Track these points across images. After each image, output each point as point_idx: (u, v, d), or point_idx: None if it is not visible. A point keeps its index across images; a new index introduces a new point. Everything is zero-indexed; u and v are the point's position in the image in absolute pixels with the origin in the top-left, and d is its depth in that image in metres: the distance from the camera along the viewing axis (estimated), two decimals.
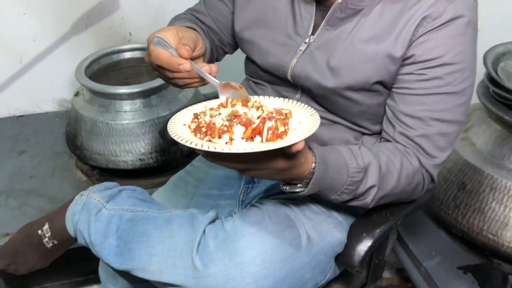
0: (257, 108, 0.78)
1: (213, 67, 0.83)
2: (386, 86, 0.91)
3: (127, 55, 1.89)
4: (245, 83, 1.13)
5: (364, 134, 0.99)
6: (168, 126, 0.77)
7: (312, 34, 0.95)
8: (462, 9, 0.83)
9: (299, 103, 0.82)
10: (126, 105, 1.68)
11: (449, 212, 1.44)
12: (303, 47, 0.96)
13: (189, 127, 0.77)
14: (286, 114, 0.77)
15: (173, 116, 0.80)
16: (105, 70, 1.88)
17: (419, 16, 0.84)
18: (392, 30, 0.86)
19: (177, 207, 1.07)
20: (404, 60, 0.87)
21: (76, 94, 1.80)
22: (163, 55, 0.81)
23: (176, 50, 0.82)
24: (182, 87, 0.89)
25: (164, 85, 1.69)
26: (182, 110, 0.82)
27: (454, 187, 1.42)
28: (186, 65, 0.80)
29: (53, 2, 1.98)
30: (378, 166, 0.85)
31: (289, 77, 0.98)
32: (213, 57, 1.13)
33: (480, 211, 1.36)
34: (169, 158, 1.73)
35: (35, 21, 2.00)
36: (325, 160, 0.80)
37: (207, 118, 0.76)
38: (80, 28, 2.06)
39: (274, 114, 0.76)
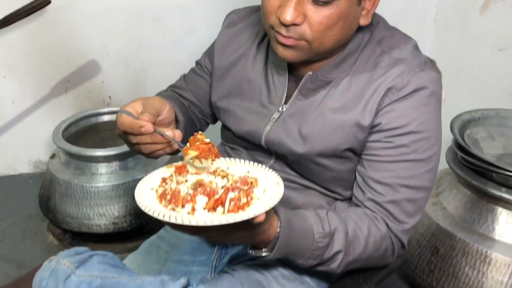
0: (223, 176, 0.80)
1: (177, 132, 0.86)
2: (356, 152, 0.94)
3: (106, 118, 1.91)
4: (221, 148, 1.16)
5: (336, 199, 1.01)
6: (136, 190, 0.78)
7: (285, 103, 0.99)
8: (425, 81, 0.88)
9: (267, 168, 0.84)
10: (102, 168, 1.68)
11: (424, 276, 1.44)
12: (276, 115, 0.99)
13: (156, 191, 0.78)
14: (251, 182, 0.78)
15: (142, 179, 0.81)
16: (83, 133, 1.89)
17: (385, 87, 0.88)
18: (359, 99, 0.90)
19: (148, 273, 1.05)
20: (371, 128, 0.91)
21: (52, 156, 1.80)
22: (126, 119, 0.83)
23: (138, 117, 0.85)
24: (148, 155, 0.89)
25: None
26: (152, 173, 0.83)
27: (427, 252, 1.43)
28: (148, 126, 0.81)
29: (34, 65, 2.01)
30: (345, 231, 0.86)
31: (263, 143, 1.00)
32: (196, 129, 1.17)
33: (454, 276, 1.36)
34: (144, 222, 1.71)
35: (15, 83, 2.03)
36: (291, 225, 0.81)
37: (173, 185, 0.77)
38: (60, 91, 2.09)
39: (238, 184, 0.77)
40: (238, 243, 0.79)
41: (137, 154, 1.66)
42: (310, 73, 0.95)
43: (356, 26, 0.90)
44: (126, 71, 2.11)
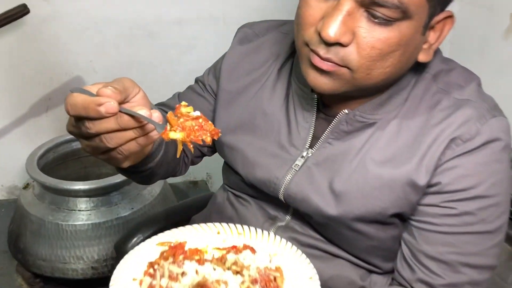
0: (235, 272, 0.58)
1: (155, 112, 0.58)
2: (404, 217, 0.74)
3: None
4: (222, 194, 0.95)
5: (372, 272, 0.80)
6: (111, 281, 0.56)
7: (311, 147, 0.78)
8: (497, 131, 0.69)
9: (296, 249, 0.62)
10: (81, 203, 1.48)
11: None
12: (299, 162, 0.78)
13: (140, 283, 0.57)
14: (275, 278, 0.57)
15: (123, 260, 0.60)
16: (62, 159, 1.69)
17: (447, 137, 0.69)
18: (413, 151, 0.70)
19: None
20: (427, 188, 0.70)
21: (26, 186, 1.60)
22: (79, 98, 0.56)
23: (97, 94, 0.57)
24: (115, 156, 0.61)
25: (127, 180, 1.49)
26: (135, 249, 0.62)
27: None
28: (109, 104, 0.54)
29: (12, 82, 1.80)
30: None
31: (281, 196, 0.80)
32: (187, 160, 0.95)
33: None
34: None
35: None
36: None
37: (164, 282, 0.56)
38: (40, 110, 1.88)
39: (258, 285, 0.56)
40: None
41: (123, 186, 1.43)
42: (346, 111, 0.74)
43: (413, 62, 0.70)
44: None
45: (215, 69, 0.91)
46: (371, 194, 0.72)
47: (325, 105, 0.78)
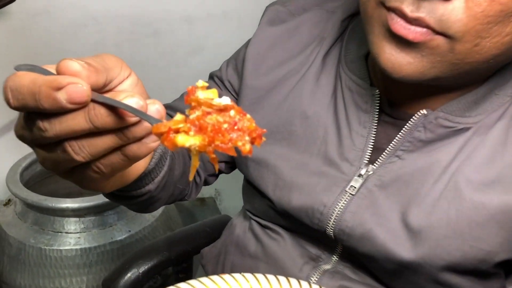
0: None
1: (155, 103, 0.37)
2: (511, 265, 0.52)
3: None
4: (243, 223, 0.74)
5: None
6: None
7: (372, 162, 0.57)
8: None
9: None
10: (70, 224, 1.30)
11: None
12: (356, 183, 0.57)
13: None
14: None
15: None
16: (49, 173, 1.51)
17: None
18: None
19: None
20: None
21: (7, 203, 1.42)
22: (26, 78, 0.35)
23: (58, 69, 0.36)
24: (92, 179, 0.39)
25: None
26: None
27: None
28: (74, 87, 0.33)
29: None
30: None
31: (330, 231, 0.59)
32: (199, 179, 0.75)
33: None
34: None
35: None
36: None
37: None
38: None
39: None
40: None
41: (119, 205, 1.25)
42: (425, 111, 0.54)
43: None
44: None
45: (237, 60, 0.72)
46: (469, 232, 0.52)
47: (392, 103, 0.57)
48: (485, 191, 0.52)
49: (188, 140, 0.33)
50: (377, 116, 0.58)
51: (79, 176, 0.39)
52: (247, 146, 0.33)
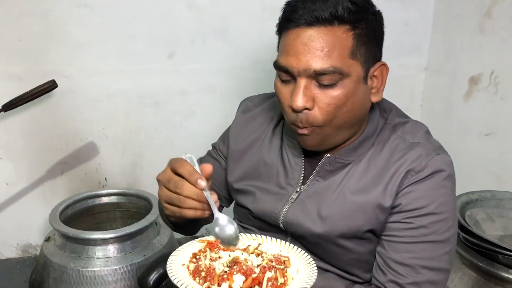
0: (257, 255, 0.79)
1: (214, 195, 0.84)
2: (376, 234, 0.96)
3: (104, 199, 1.89)
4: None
5: (355, 282, 1.01)
6: (168, 265, 0.76)
7: (303, 184, 1.01)
8: (441, 164, 0.92)
9: (296, 248, 0.84)
10: (99, 251, 1.64)
11: None
12: (294, 196, 1.01)
13: (188, 268, 0.77)
14: (284, 261, 0.78)
15: (172, 255, 0.80)
16: (78, 215, 1.86)
17: (404, 169, 0.92)
18: (379, 181, 0.93)
19: None
20: (392, 209, 0.93)
21: (47, 239, 1.75)
22: (188, 165, 0.82)
23: (200, 168, 0.83)
24: (179, 213, 0.84)
25: (139, 230, 1.68)
26: (181, 247, 0.82)
27: None
28: (203, 182, 0.80)
29: (32, 147, 2.01)
30: None
31: (280, 224, 1.01)
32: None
33: None
34: None
35: (11, 165, 2.01)
36: None
37: (207, 262, 0.76)
38: (55, 173, 2.07)
39: (273, 263, 0.77)
40: None
41: (135, 236, 1.62)
42: (328, 155, 0.98)
43: (369, 104, 0.94)
44: (123, 154, 2.13)
45: (224, 137, 1.16)
46: (350, 216, 0.94)
47: (311, 151, 1.01)
48: (357, 195, 0.94)
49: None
50: (303, 159, 1.02)
51: (171, 210, 0.85)
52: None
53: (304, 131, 0.91)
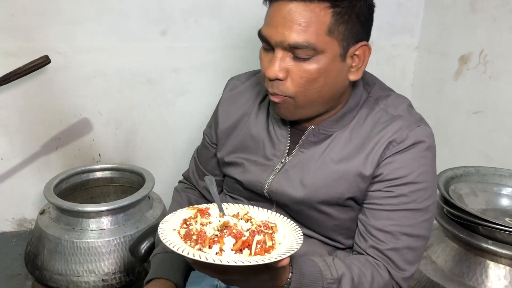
0: (246, 220, 0.83)
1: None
2: (358, 202, 0.99)
3: (98, 174, 1.92)
4: (223, 197, 1.19)
5: (337, 248, 1.05)
6: (158, 231, 0.79)
7: (288, 155, 1.04)
8: (422, 136, 0.95)
9: (282, 217, 0.87)
10: (93, 223, 1.68)
11: None
12: (279, 166, 1.04)
13: (179, 232, 0.80)
14: (272, 227, 0.82)
15: (162, 221, 0.83)
16: (72, 190, 1.90)
17: (386, 141, 0.95)
18: (361, 152, 0.97)
19: None
20: (373, 179, 0.96)
21: (42, 212, 1.79)
22: None
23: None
24: None
25: (132, 204, 1.72)
26: (170, 215, 0.85)
27: None
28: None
29: (27, 123, 2.03)
30: (350, 277, 0.89)
31: (265, 192, 1.05)
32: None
33: None
34: (133, 279, 1.69)
35: (6, 140, 2.03)
36: (301, 271, 0.84)
37: (198, 226, 0.79)
38: (50, 149, 2.10)
39: (262, 228, 0.80)
40: (253, 287, 0.81)
41: (128, 209, 1.67)
42: (312, 127, 1.01)
43: (345, 81, 0.96)
44: (117, 130, 2.15)
45: (212, 121, 1.19)
46: (331, 183, 0.98)
47: (296, 123, 1.04)
48: (338, 164, 0.97)
49: None
50: (289, 130, 1.05)
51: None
52: None
53: (275, 98, 0.94)
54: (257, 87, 1.14)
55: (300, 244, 0.77)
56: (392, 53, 2.33)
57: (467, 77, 2.09)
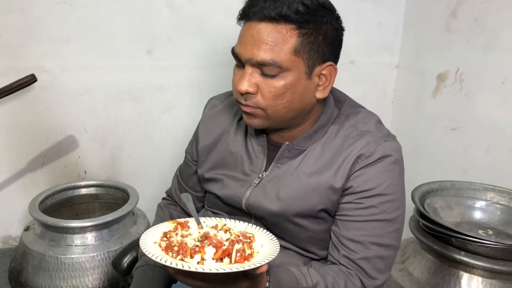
0: (225, 231, 0.87)
1: None
2: (330, 214, 1.04)
3: (83, 191, 1.94)
4: (204, 213, 1.23)
5: (312, 259, 1.08)
6: (140, 243, 0.83)
7: (265, 170, 1.09)
8: (389, 150, 1.01)
9: (258, 228, 0.91)
10: (77, 239, 1.69)
11: None
12: (256, 181, 1.08)
13: (160, 245, 0.84)
14: (250, 237, 0.86)
15: (143, 234, 0.86)
16: (57, 206, 1.91)
17: (355, 155, 1.00)
18: (332, 165, 1.01)
19: None
20: (343, 191, 1.01)
21: (27, 229, 1.80)
22: None
23: None
24: None
25: (116, 219, 1.74)
26: (150, 229, 0.89)
27: None
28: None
29: (12, 140, 2.05)
30: (325, 285, 0.93)
31: (243, 206, 1.09)
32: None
33: None
34: None
35: None
36: (278, 279, 0.88)
37: (179, 238, 0.83)
38: (36, 166, 2.12)
39: (241, 237, 0.84)
40: None
41: (113, 225, 1.70)
42: (287, 143, 1.06)
43: (312, 98, 1.01)
44: (102, 147, 2.18)
45: (193, 139, 1.24)
46: (304, 196, 1.02)
47: (272, 140, 1.09)
48: (311, 177, 1.02)
49: None
50: (266, 147, 1.10)
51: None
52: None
53: (247, 109, 1.00)
54: (235, 106, 1.19)
55: (277, 252, 0.81)
56: (372, 71, 2.39)
57: (445, 95, 2.16)
